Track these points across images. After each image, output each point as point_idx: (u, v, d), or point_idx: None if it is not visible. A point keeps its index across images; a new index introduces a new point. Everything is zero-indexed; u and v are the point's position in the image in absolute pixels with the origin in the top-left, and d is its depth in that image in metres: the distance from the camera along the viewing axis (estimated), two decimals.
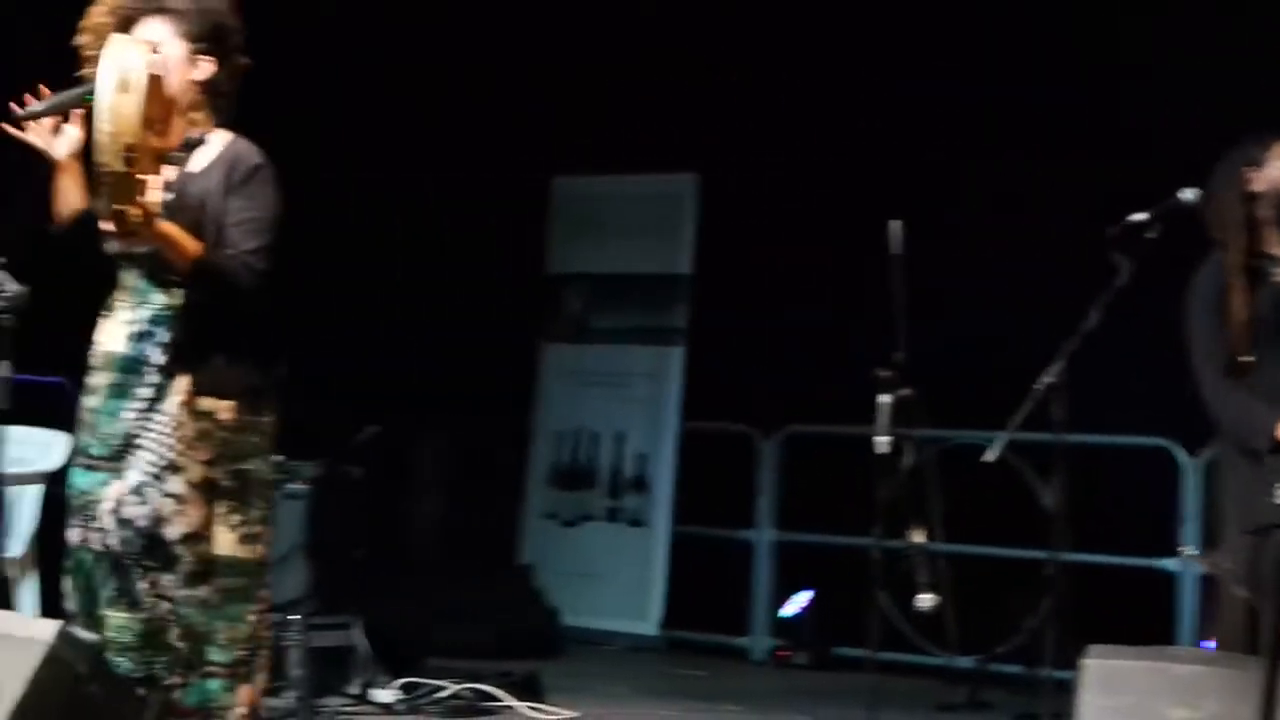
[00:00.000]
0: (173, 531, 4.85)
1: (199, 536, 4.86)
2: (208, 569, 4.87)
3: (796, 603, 9.55)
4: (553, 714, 7.44)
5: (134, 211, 4.60)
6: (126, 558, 4.84)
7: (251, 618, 4.93)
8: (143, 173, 4.59)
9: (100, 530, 4.87)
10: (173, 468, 4.86)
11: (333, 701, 7.27)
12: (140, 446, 4.87)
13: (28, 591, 6.78)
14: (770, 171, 9.54)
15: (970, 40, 8.98)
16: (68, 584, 4.94)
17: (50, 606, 6.42)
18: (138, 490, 4.85)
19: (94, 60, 4.95)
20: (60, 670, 4.18)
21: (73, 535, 4.92)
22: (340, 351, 9.52)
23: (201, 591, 4.86)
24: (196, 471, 4.86)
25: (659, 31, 9.74)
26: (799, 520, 9.71)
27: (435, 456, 10.26)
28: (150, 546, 4.85)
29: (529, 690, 7.65)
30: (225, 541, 4.89)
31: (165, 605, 4.85)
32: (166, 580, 4.85)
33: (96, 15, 4.99)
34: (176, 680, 4.85)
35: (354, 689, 7.44)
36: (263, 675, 4.99)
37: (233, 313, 4.88)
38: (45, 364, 5.60)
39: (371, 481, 8.05)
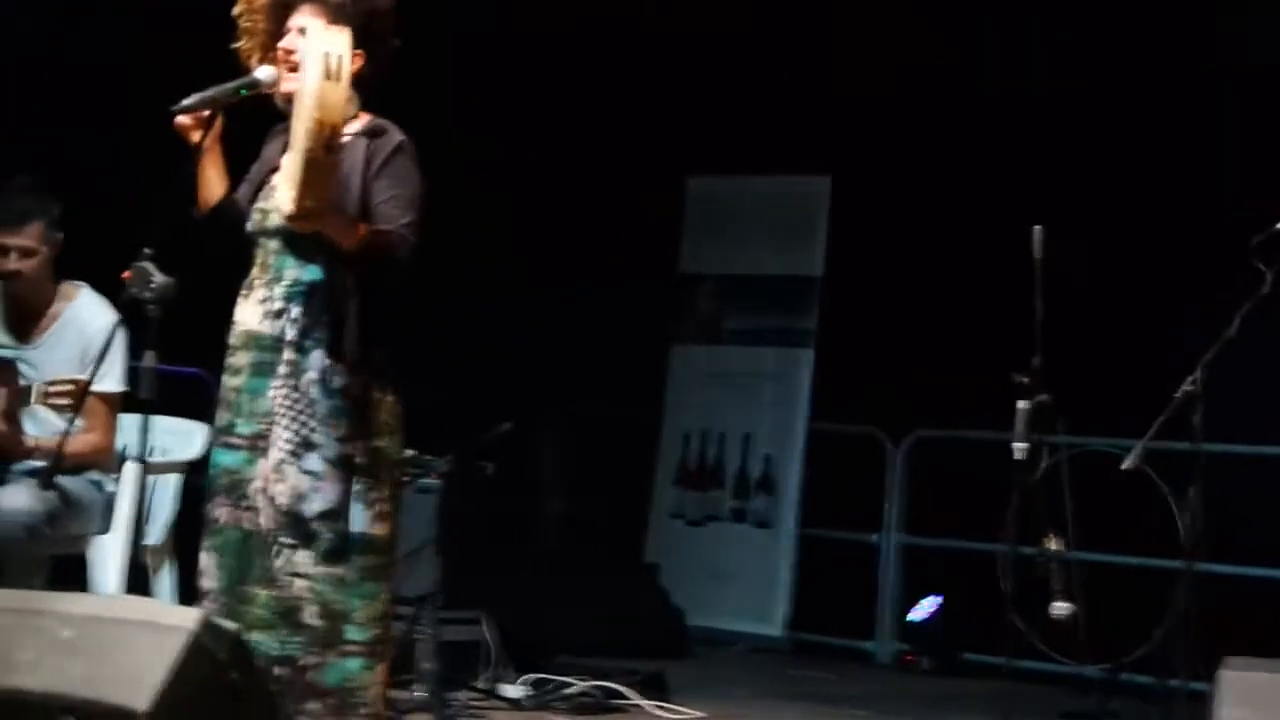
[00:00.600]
0: (311, 508, 4.90)
1: (337, 513, 4.91)
2: (345, 546, 4.91)
3: (923, 608, 9.50)
4: (679, 713, 7.45)
5: (322, 196, 4.67)
6: (269, 535, 4.89)
7: (385, 595, 4.97)
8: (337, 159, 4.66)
9: (251, 509, 4.92)
10: (309, 444, 4.91)
11: (461, 695, 7.30)
12: (278, 424, 4.92)
13: (166, 579, 6.86)
14: (904, 173, 9.50)
15: (1115, 42, 8.89)
16: (208, 562, 5.00)
17: (187, 594, 6.50)
18: (277, 467, 4.90)
19: (248, 34, 5.03)
20: (202, 657, 4.21)
21: (220, 513, 4.97)
22: (472, 347, 9.58)
23: (339, 569, 4.90)
24: (332, 448, 4.91)
25: (792, 31, 9.71)
26: (927, 524, 9.67)
27: (564, 454, 10.30)
28: (290, 523, 4.90)
29: (655, 689, 7.66)
30: (361, 518, 4.94)
31: (302, 583, 4.89)
32: (302, 557, 4.90)
33: None
34: (313, 660, 4.90)
35: (482, 684, 7.47)
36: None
37: (386, 287, 4.93)
38: (181, 353, 5.64)
39: (501, 478, 8.07)
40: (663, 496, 10.33)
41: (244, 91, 4.99)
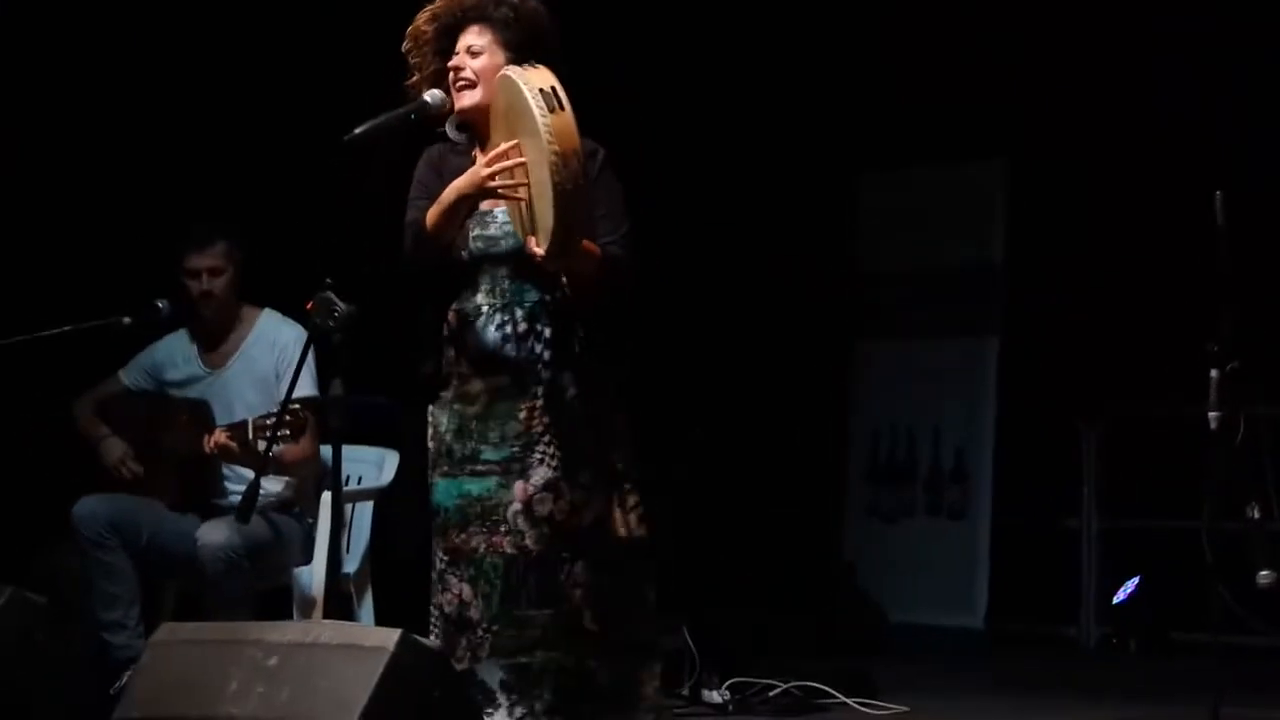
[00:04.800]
0: (585, 520, 4.99)
1: (607, 522, 5.02)
2: (615, 554, 5.01)
3: (1125, 589, 9.37)
4: (884, 709, 7.39)
5: (579, 228, 4.72)
6: (548, 554, 4.95)
7: (653, 596, 5.08)
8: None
9: (511, 533, 4.97)
10: (579, 459, 4.99)
11: (666, 703, 7.29)
12: (542, 443, 4.97)
13: (365, 608, 6.92)
14: (1080, 149, 9.37)
15: None
16: (468, 592, 5.05)
17: (384, 619, 6.55)
18: (549, 486, 4.96)
19: (418, 69, 5.09)
20: (404, 677, 4.26)
21: (476, 542, 5.02)
22: (660, 355, 9.57)
23: (611, 576, 5.00)
24: (598, 460, 5.02)
25: (956, 14, 9.61)
26: (1124, 505, 9.54)
27: (754, 458, 10.26)
28: (566, 538, 4.98)
29: (859, 686, 7.60)
30: (626, 524, 5.04)
31: (579, 592, 4.99)
32: (579, 569, 4.97)
33: (420, 24, 5.11)
34: (594, 664, 5.03)
35: (684, 690, 7.46)
36: None
37: (616, 301, 4.99)
38: (367, 385, 5.69)
39: (694, 483, 8.05)
40: (855, 494, 10.28)
41: (414, 116, 5.04)
